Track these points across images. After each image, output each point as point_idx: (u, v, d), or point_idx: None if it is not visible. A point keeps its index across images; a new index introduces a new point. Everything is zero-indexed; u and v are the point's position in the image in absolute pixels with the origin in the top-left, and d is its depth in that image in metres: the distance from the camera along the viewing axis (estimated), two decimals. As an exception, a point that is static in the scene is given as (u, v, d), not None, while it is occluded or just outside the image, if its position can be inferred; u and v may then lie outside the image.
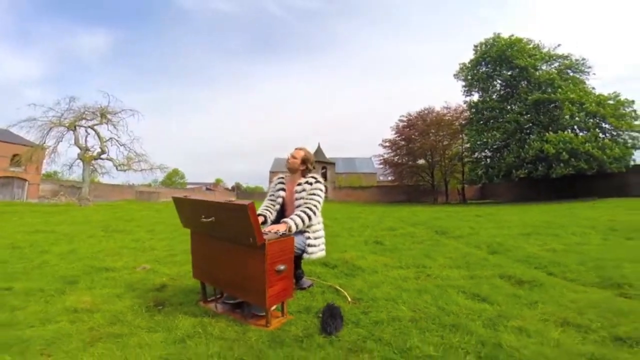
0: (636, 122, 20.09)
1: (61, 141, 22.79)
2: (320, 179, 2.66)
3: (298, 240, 2.36)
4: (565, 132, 19.29)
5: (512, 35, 23.54)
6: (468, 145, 27.16)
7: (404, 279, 3.01)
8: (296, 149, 2.80)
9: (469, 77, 25.50)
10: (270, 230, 2.16)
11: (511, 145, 22.33)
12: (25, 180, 41.82)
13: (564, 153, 18.68)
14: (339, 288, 2.69)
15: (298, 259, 2.56)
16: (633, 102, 20.44)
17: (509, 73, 23.39)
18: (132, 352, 1.66)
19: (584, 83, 22.47)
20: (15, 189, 41.22)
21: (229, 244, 2.05)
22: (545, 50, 23.43)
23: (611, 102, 20.78)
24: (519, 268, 3.30)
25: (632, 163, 19.99)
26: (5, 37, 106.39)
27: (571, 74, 22.43)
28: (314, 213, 2.45)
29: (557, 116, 20.73)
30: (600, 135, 19.96)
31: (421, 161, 33.93)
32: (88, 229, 7.17)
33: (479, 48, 25.05)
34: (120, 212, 13.69)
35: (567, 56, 22.78)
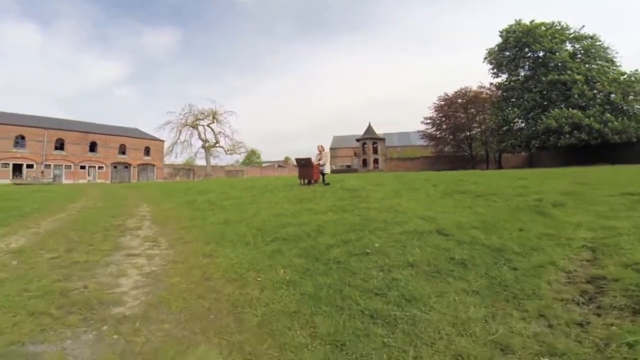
0: None
1: (192, 136, 34.26)
2: (327, 151, 10.48)
3: (321, 169, 10.27)
4: (569, 109, 22.80)
5: (533, 21, 26.46)
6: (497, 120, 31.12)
7: (371, 189, 10.57)
8: (319, 145, 10.64)
9: (495, 61, 29.16)
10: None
11: (529, 120, 26.24)
12: (154, 165, 57.83)
13: (566, 126, 22.49)
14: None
15: (322, 174, 10.41)
16: None
17: (531, 56, 26.68)
18: (292, 191, 9.71)
19: (612, 61, 24.71)
20: (149, 173, 57.45)
21: (307, 168, 10.07)
22: (570, 32, 25.89)
23: (633, 78, 23.13)
24: (412, 184, 10.58)
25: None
26: (88, 44, 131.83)
27: (595, 53, 24.82)
28: (326, 162, 10.30)
29: (568, 94, 24.03)
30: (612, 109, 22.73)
31: (460, 134, 38.24)
32: (245, 183, 15.99)
33: (503, 34, 28.36)
34: (242, 180, 23.14)
35: (592, 36, 25.09)
